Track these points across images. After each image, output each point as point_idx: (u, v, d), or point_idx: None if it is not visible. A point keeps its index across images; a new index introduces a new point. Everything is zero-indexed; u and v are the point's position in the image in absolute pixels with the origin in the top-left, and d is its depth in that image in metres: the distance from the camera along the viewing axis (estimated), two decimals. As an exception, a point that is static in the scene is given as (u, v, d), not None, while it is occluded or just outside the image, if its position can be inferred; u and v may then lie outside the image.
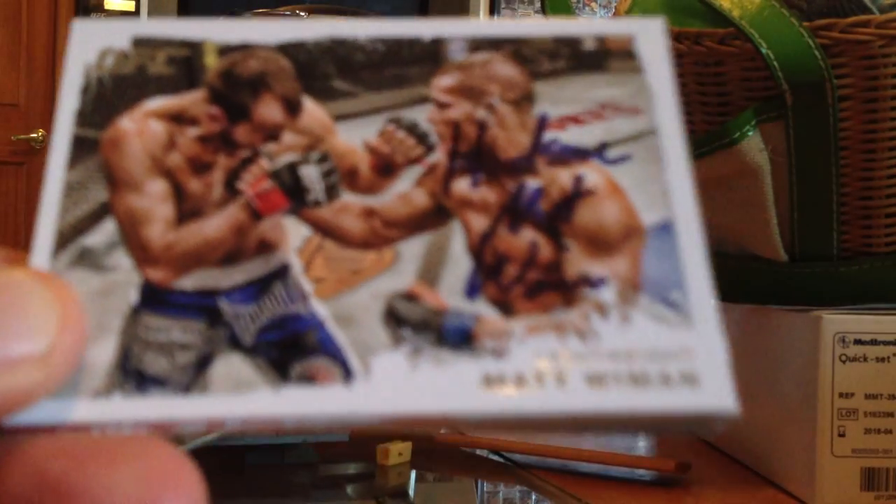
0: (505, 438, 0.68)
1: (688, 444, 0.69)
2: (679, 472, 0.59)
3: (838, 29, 0.52)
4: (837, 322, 0.52)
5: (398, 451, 0.64)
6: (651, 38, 0.31)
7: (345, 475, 0.65)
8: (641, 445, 0.72)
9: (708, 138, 0.56)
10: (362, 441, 0.68)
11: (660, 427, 0.26)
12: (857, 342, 0.52)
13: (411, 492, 0.63)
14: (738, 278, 0.59)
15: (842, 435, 0.52)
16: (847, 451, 0.53)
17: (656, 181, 0.28)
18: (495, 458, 0.65)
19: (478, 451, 0.67)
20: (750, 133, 0.55)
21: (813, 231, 0.56)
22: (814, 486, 0.53)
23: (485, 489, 0.64)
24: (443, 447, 0.68)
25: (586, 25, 0.31)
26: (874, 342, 0.53)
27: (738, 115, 0.55)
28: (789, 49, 0.53)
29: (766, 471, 0.59)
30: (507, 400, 0.24)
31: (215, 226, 0.26)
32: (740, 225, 0.58)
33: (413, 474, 0.64)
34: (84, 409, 0.23)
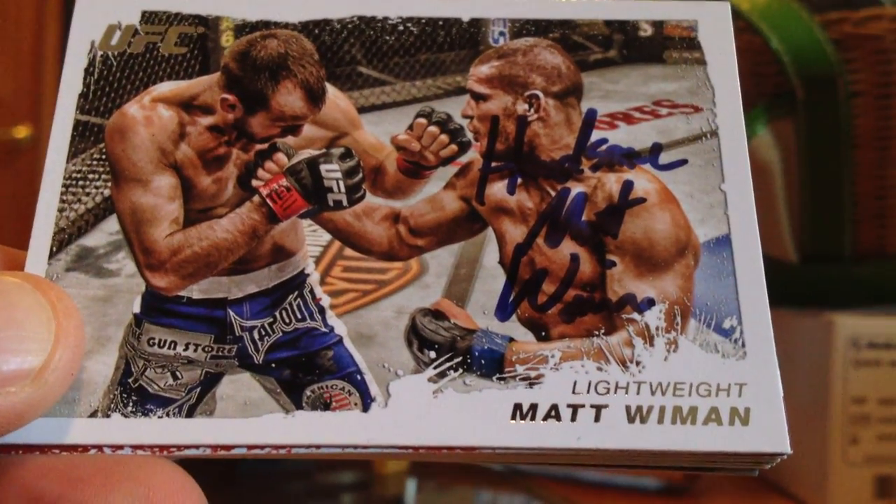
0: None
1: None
2: (687, 481, 0.59)
3: (850, 23, 0.52)
4: (850, 325, 0.52)
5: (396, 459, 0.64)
6: (716, 24, 0.29)
7: (340, 484, 0.65)
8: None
9: (716, 135, 0.56)
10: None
11: (705, 465, 0.25)
12: (871, 346, 0.53)
13: (409, 501, 0.63)
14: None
15: (854, 442, 0.53)
16: (860, 459, 0.53)
17: (714, 190, 0.27)
18: (497, 465, 0.65)
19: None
20: (760, 130, 0.55)
21: (824, 231, 0.56)
22: (825, 495, 0.53)
23: (485, 499, 0.64)
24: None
25: (642, 8, 0.30)
26: (888, 346, 0.53)
27: (748, 112, 0.55)
28: (800, 43, 0.53)
29: (777, 479, 0.59)
30: (539, 434, 0.23)
31: (227, 229, 0.26)
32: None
33: (411, 483, 0.64)
34: (80, 430, 0.23)
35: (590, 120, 0.27)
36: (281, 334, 0.25)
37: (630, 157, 0.27)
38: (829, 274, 0.58)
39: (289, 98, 0.27)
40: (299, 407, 0.24)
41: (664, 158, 0.27)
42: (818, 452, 0.54)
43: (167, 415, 0.23)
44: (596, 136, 0.27)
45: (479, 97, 0.27)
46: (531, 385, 0.24)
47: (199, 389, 0.24)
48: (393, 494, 0.63)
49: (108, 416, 0.23)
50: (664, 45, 0.29)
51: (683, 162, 0.27)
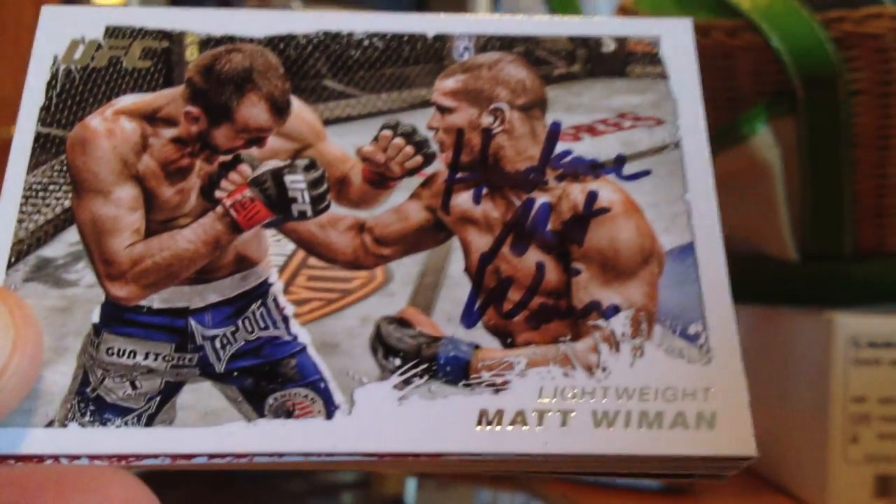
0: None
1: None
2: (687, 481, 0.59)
3: (851, 21, 0.53)
4: (850, 324, 0.52)
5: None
6: (677, 40, 0.30)
7: (340, 483, 0.65)
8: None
9: (717, 134, 0.56)
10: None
11: (672, 470, 0.25)
12: (871, 345, 0.52)
13: (409, 500, 0.62)
14: (748, 278, 0.60)
15: (854, 441, 0.52)
16: (860, 458, 0.53)
17: (677, 200, 0.27)
18: None
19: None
20: (760, 129, 0.55)
21: (825, 230, 0.57)
22: (825, 494, 0.53)
23: (485, 498, 0.64)
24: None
25: (606, 24, 0.30)
26: (888, 345, 0.52)
27: (748, 111, 0.55)
28: (801, 42, 0.53)
29: (777, 478, 0.59)
30: (506, 440, 0.23)
31: (189, 239, 0.26)
32: (750, 223, 0.58)
33: (411, 482, 0.64)
34: (36, 440, 0.22)
35: (554, 132, 0.28)
36: (244, 343, 0.25)
37: (594, 168, 0.27)
38: (829, 272, 0.58)
39: (253, 110, 0.27)
40: (262, 415, 0.23)
41: (628, 169, 0.28)
42: (818, 451, 0.53)
43: (125, 424, 0.23)
44: (561, 147, 0.28)
45: (444, 110, 0.28)
46: (497, 391, 0.24)
47: (158, 398, 0.24)
48: (393, 493, 0.62)
49: (64, 425, 0.23)
50: (627, 60, 0.30)
51: (647, 173, 0.27)
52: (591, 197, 0.27)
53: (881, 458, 0.53)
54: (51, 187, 0.26)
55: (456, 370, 0.24)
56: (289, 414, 0.23)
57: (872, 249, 0.57)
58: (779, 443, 0.58)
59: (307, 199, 0.26)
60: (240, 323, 0.25)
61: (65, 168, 0.26)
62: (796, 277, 0.58)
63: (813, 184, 0.56)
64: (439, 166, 0.27)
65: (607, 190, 0.27)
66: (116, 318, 0.25)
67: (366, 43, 0.29)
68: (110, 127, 0.27)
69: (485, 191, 0.27)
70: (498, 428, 0.23)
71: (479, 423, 0.23)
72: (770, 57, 0.54)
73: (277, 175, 0.26)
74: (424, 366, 0.24)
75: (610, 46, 0.30)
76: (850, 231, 0.57)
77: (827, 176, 0.56)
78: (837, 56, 0.53)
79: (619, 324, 0.25)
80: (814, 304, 0.55)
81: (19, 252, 0.25)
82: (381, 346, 0.25)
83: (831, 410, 0.52)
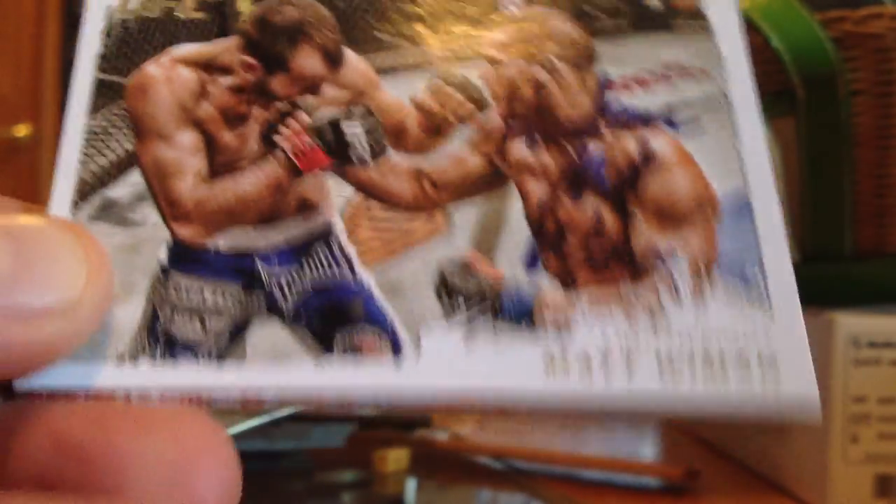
0: (509, 443, 0.68)
1: (696, 450, 0.70)
2: (687, 480, 0.60)
3: (851, 21, 0.53)
4: (850, 324, 0.53)
5: (396, 458, 0.64)
6: None
7: (341, 483, 0.65)
8: (647, 451, 0.72)
9: (716, 134, 0.56)
10: (359, 447, 0.68)
11: (735, 412, 0.25)
12: (871, 345, 0.53)
13: (409, 500, 0.63)
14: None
15: (854, 441, 0.53)
16: (860, 458, 0.53)
17: (729, 149, 0.27)
18: (497, 465, 0.65)
19: (479, 458, 0.67)
20: None
21: (825, 230, 0.57)
22: (825, 494, 0.53)
23: (485, 498, 0.64)
24: (442, 454, 0.68)
25: None
26: (888, 345, 0.53)
27: None
28: (801, 42, 0.54)
29: (777, 478, 0.59)
30: (572, 382, 0.24)
31: (251, 181, 0.26)
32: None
33: (411, 482, 0.64)
34: (107, 375, 0.22)
35: (604, 83, 0.28)
36: (309, 283, 0.25)
37: (645, 118, 0.28)
38: (829, 273, 0.58)
39: (307, 60, 0.27)
40: (330, 353, 0.24)
41: (678, 119, 0.28)
42: (818, 451, 0.54)
43: (196, 361, 0.23)
44: (611, 98, 0.28)
45: (495, 62, 0.28)
46: (561, 332, 0.24)
47: (227, 336, 0.24)
48: (393, 493, 0.63)
49: (135, 361, 0.23)
50: (672, 16, 0.30)
51: (697, 122, 0.28)
52: (644, 145, 0.27)
53: (881, 458, 0.53)
54: (111, 130, 0.26)
55: (520, 311, 0.25)
56: (356, 352, 0.24)
57: (872, 249, 0.57)
58: (779, 443, 0.59)
59: (364, 144, 0.27)
60: (304, 264, 0.25)
61: (124, 112, 0.26)
62: (796, 277, 0.58)
63: (813, 184, 0.56)
64: (493, 116, 0.28)
65: (659, 138, 0.27)
66: (183, 258, 0.25)
67: None
68: (168, 74, 0.27)
69: (539, 139, 0.27)
70: (563, 366, 0.24)
71: (545, 365, 0.24)
72: (770, 57, 0.55)
73: (335, 122, 0.27)
74: (488, 307, 0.24)
75: (654, 2, 0.30)
76: (850, 231, 0.57)
77: (827, 176, 0.56)
78: (837, 56, 0.53)
79: (678, 268, 0.25)
80: (814, 304, 0.56)
81: (83, 192, 0.25)
82: (445, 287, 0.25)
83: (831, 410, 0.53)
